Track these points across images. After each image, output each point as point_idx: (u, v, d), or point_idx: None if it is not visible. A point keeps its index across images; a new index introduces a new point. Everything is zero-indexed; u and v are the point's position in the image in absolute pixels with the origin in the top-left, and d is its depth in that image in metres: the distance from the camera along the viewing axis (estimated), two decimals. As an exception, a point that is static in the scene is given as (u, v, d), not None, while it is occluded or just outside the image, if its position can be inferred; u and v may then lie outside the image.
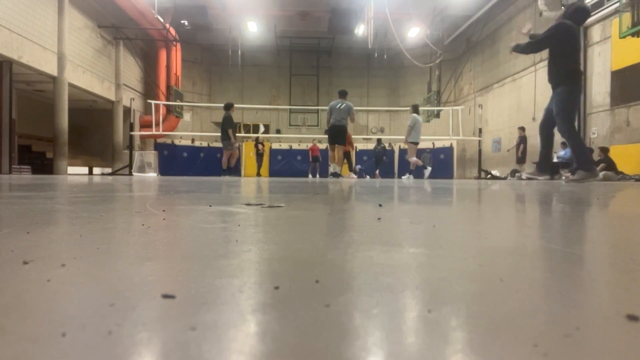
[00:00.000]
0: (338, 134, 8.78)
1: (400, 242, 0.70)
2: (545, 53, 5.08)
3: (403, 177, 10.74)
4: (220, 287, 0.41)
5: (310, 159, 16.84)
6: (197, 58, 21.68)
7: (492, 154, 17.38)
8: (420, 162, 10.09)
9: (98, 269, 0.49)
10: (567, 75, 4.82)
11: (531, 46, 5.02)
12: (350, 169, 11.82)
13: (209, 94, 22.39)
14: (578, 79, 4.85)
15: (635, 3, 9.05)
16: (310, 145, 17.47)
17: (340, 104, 8.78)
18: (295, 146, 20.82)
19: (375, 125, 22.41)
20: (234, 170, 10.95)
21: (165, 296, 0.38)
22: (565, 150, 12.68)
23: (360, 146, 19.86)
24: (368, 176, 14.85)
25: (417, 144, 9.80)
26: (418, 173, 10.77)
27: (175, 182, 4.74)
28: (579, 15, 4.95)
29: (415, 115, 9.74)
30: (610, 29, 10.70)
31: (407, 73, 21.96)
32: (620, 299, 0.39)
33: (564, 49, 4.82)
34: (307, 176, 15.81)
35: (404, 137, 10.15)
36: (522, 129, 13.62)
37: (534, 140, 14.30)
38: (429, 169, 10.13)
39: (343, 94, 8.94)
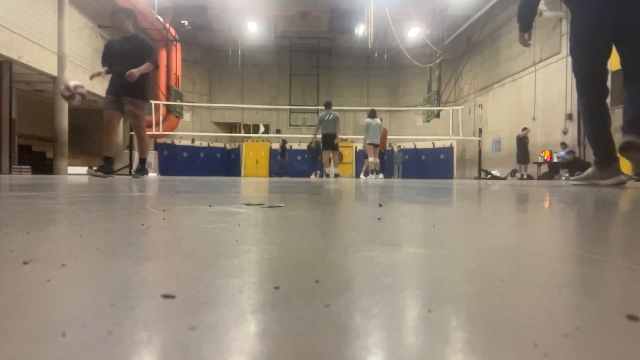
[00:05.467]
0: (330, 142, 10.10)
1: (400, 242, 0.70)
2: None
3: (365, 176, 11.26)
4: (220, 287, 0.41)
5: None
6: (197, 58, 21.68)
7: (492, 154, 17.38)
8: (376, 166, 10.91)
9: (98, 269, 0.49)
10: None
11: None
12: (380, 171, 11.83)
13: (209, 94, 22.39)
14: None
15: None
16: None
17: (328, 116, 10.02)
18: (295, 146, 20.80)
19: (375, 125, 22.43)
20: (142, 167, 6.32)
21: (165, 296, 0.38)
22: (566, 150, 12.67)
23: (360, 146, 19.84)
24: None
25: (374, 145, 10.62)
26: (384, 173, 11.60)
27: (175, 182, 4.74)
28: None
29: (367, 119, 10.65)
30: (610, 29, 10.68)
31: (407, 73, 21.95)
32: (620, 299, 0.39)
33: None
34: (308, 176, 15.88)
35: (403, 137, 10.53)
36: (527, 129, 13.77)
37: (533, 140, 14.32)
38: (372, 176, 10.75)
39: (328, 105, 10.20)
